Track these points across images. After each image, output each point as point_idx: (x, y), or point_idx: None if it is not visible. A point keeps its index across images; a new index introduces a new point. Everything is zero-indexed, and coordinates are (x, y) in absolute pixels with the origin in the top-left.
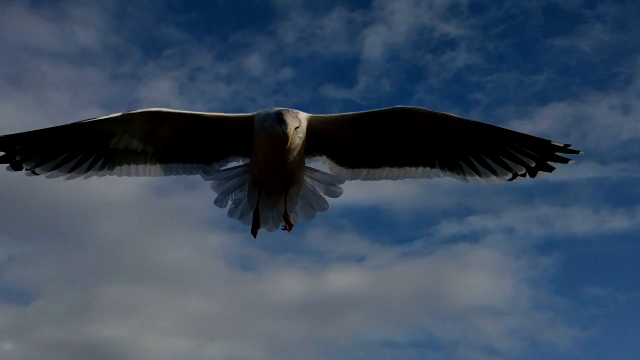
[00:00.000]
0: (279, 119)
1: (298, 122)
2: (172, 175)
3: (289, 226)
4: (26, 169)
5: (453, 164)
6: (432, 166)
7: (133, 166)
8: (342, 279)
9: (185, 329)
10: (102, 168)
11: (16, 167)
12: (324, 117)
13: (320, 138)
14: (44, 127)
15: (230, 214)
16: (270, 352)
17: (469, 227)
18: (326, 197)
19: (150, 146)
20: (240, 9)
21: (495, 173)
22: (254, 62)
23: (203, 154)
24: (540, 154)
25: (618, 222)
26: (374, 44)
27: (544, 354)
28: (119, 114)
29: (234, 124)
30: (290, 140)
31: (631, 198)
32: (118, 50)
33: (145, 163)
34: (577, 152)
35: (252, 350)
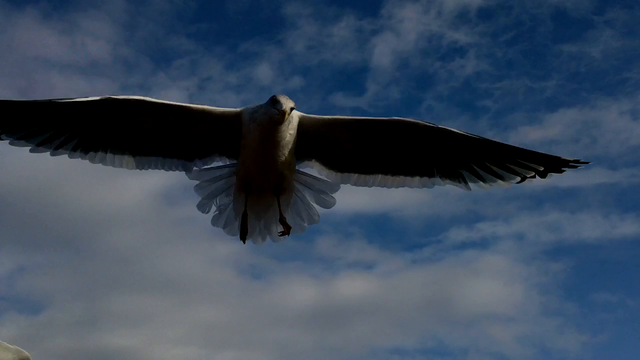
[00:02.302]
0: (272, 101)
1: (293, 103)
2: (149, 169)
3: (286, 229)
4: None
5: (454, 172)
6: (431, 175)
7: (109, 155)
8: (352, 287)
9: (195, 338)
10: (74, 149)
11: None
12: (316, 118)
13: (311, 140)
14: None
15: (214, 222)
16: None
17: (479, 233)
18: (318, 208)
19: (129, 135)
20: (249, 19)
21: (501, 178)
22: (264, 71)
23: (185, 149)
24: (547, 166)
25: (628, 227)
26: (383, 52)
27: None
28: (99, 97)
29: (219, 118)
30: (287, 116)
31: None
32: (128, 61)
33: (122, 153)
34: (586, 162)
35: (262, 358)
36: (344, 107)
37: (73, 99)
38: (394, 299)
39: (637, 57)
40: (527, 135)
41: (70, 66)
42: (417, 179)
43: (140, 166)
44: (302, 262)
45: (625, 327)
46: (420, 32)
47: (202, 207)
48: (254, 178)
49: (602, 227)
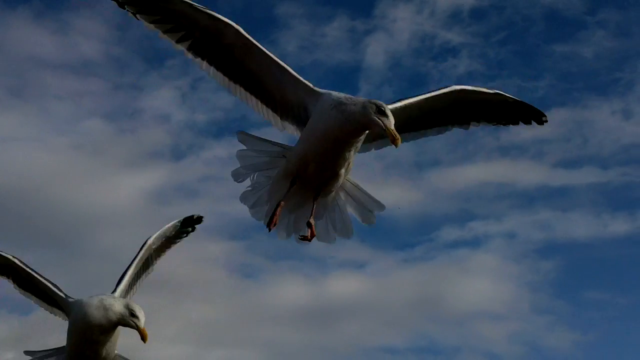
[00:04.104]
0: (378, 108)
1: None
2: (246, 102)
3: (310, 235)
4: (129, 12)
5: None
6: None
7: (219, 74)
8: (343, 286)
9: (186, 337)
10: (189, 48)
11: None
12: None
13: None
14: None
15: (242, 199)
16: (271, 359)
17: (470, 232)
18: (355, 222)
19: (235, 61)
20: (242, 19)
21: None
22: None
23: (275, 104)
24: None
25: (619, 226)
26: (376, 51)
27: (545, 358)
28: (225, 20)
29: (296, 82)
30: (399, 140)
31: (632, 202)
32: (120, 60)
33: (228, 76)
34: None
35: (253, 357)
36: None
37: (205, 8)
38: (386, 298)
39: (629, 57)
40: (519, 135)
41: (63, 66)
42: (435, 130)
43: (240, 96)
44: (294, 261)
45: (616, 326)
46: (413, 32)
47: (237, 176)
48: (307, 168)
49: (594, 225)
